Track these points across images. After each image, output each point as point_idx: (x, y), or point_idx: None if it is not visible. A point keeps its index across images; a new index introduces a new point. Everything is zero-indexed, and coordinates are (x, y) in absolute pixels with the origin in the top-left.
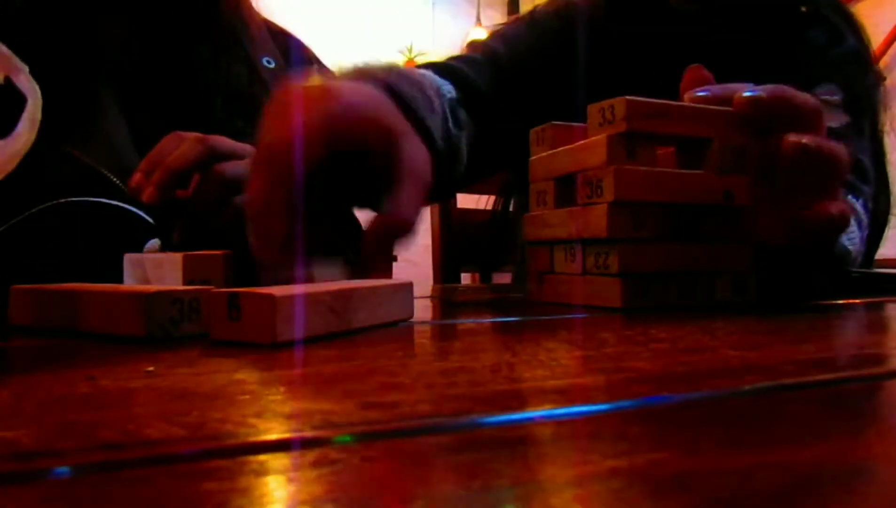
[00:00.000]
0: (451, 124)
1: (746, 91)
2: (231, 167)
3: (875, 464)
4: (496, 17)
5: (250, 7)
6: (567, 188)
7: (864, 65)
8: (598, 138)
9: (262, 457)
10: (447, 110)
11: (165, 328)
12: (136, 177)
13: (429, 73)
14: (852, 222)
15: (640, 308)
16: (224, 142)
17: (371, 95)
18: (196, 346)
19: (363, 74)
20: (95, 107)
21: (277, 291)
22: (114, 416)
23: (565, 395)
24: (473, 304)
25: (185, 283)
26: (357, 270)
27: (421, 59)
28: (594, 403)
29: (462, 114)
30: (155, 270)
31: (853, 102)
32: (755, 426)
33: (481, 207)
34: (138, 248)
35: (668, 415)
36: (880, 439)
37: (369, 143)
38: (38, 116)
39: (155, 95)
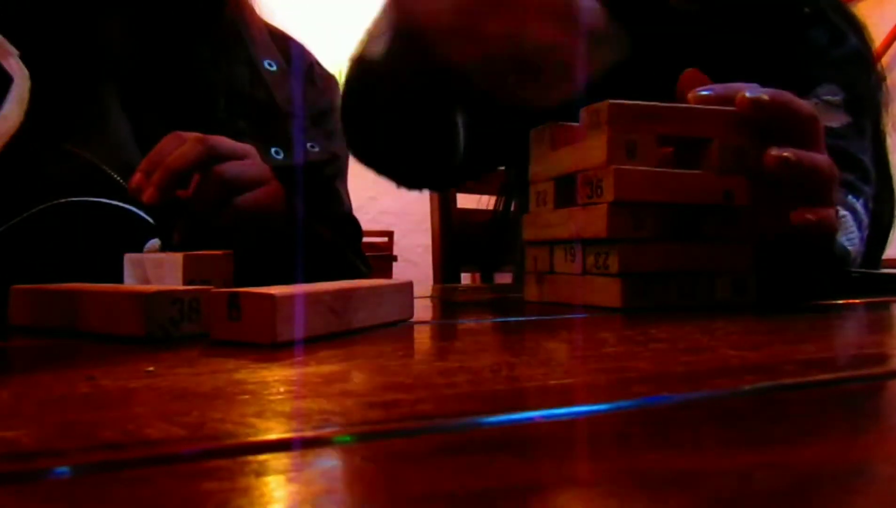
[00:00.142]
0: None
1: (748, 91)
2: (231, 168)
3: (875, 464)
4: None
5: (252, 10)
6: (567, 188)
7: (865, 65)
8: (599, 138)
9: (262, 457)
10: None
11: (165, 328)
12: (137, 177)
13: None
14: (852, 222)
15: (640, 308)
16: (224, 142)
17: None
18: (196, 346)
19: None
20: (97, 105)
21: (277, 291)
22: (114, 416)
23: (565, 395)
24: (473, 304)
25: (185, 283)
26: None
27: None
28: (594, 403)
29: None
30: (155, 270)
31: (854, 103)
32: (755, 426)
33: (481, 207)
34: (138, 248)
35: (668, 415)
36: (880, 439)
37: None
38: (27, 96)
39: (157, 94)
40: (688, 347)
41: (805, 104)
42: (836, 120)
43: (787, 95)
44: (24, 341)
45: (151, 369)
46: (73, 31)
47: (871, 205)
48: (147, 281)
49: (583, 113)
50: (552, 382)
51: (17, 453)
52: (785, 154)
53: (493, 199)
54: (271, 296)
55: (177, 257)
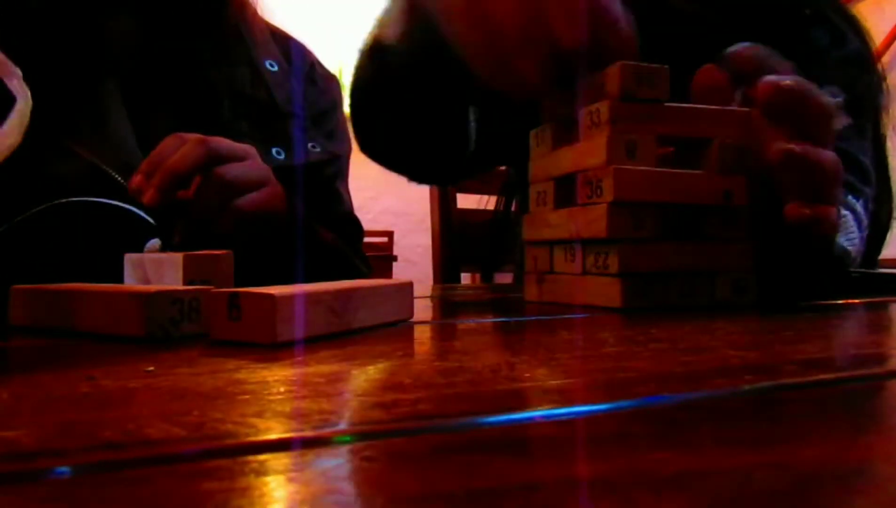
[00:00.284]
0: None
1: (773, 78)
2: (232, 170)
3: (875, 464)
4: None
5: (254, 10)
6: (567, 188)
7: (866, 66)
8: (599, 138)
9: (262, 457)
10: None
11: (165, 328)
12: (137, 179)
13: None
14: (852, 222)
15: (640, 308)
16: (225, 144)
17: None
18: (196, 346)
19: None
20: (98, 104)
21: (277, 291)
22: (114, 416)
23: (565, 395)
24: (473, 304)
25: (185, 283)
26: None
27: None
28: (594, 403)
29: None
30: (155, 270)
31: (855, 104)
32: (755, 426)
33: (481, 207)
34: (138, 248)
35: (668, 415)
36: (880, 439)
37: None
38: (27, 119)
39: (158, 95)
40: (688, 347)
41: (825, 99)
42: (837, 121)
43: (810, 87)
44: (24, 341)
45: (151, 369)
46: (75, 30)
47: (871, 206)
48: (147, 281)
49: (583, 113)
50: (552, 382)
51: (17, 453)
52: (790, 146)
53: (493, 199)
54: (271, 296)
55: (177, 257)
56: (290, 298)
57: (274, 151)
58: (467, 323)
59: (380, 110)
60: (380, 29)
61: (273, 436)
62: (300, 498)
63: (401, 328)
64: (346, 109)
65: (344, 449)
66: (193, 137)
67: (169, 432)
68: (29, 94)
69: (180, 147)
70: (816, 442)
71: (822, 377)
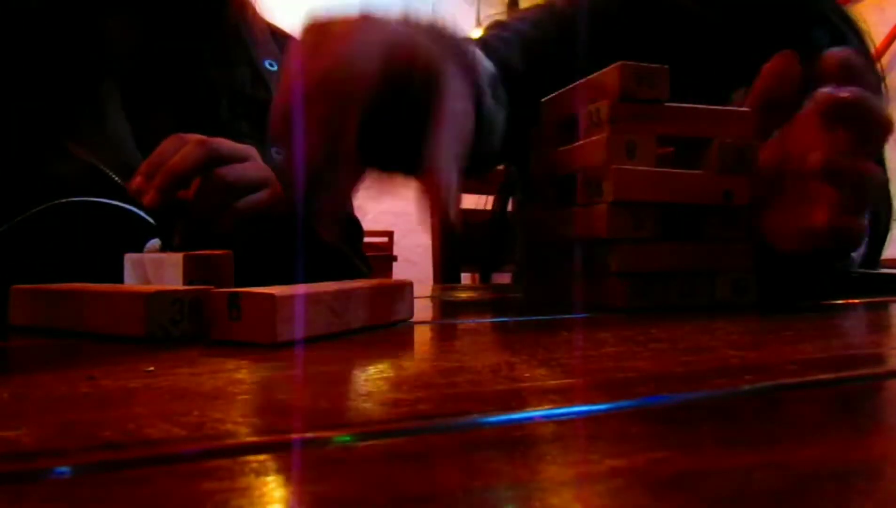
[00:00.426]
0: (489, 98)
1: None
2: (232, 171)
3: (875, 464)
4: (496, 17)
5: (254, 10)
6: (567, 188)
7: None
8: (599, 138)
9: (262, 457)
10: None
11: (165, 328)
12: (137, 180)
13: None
14: None
15: (640, 308)
16: (226, 144)
17: (420, 30)
18: (196, 346)
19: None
20: (96, 105)
21: (277, 291)
22: (114, 416)
23: (565, 395)
24: (473, 304)
25: (185, 283)
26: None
27: None
28: (594, 403)
29: (501, 91)
30: (155, 270)
31: None
32: (755, 426)
33: (481, 207)
34: (138, 248)
35: (668, 415)
36: (880, 439)
37: (418, 77)
38: None
39: (158, 95)
40: (688, 347)
41: (884, 113)
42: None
43: (871, 101)
44: (24, 341)
45: (151, 369)
46: (75, 30)
47: (871, 206)
48: (147, 281)
49: (583, 113)
50: (552, 382)
51: (17, 453)
52: (834, 157)
53: (493, 199)
54: (271, 296)
55: (177, 257)
56: (291, 298)
57: (273, 150)
58: (467, 323)
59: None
60: None
61: (273, 436)
62: (300, 498)
63: (401, 328)
64: None
65: (344, 449)
66: (194, 137)
67: (169, 432)
68: None
69: (181, 148)
70: (816, 442)
71: (822, 377)
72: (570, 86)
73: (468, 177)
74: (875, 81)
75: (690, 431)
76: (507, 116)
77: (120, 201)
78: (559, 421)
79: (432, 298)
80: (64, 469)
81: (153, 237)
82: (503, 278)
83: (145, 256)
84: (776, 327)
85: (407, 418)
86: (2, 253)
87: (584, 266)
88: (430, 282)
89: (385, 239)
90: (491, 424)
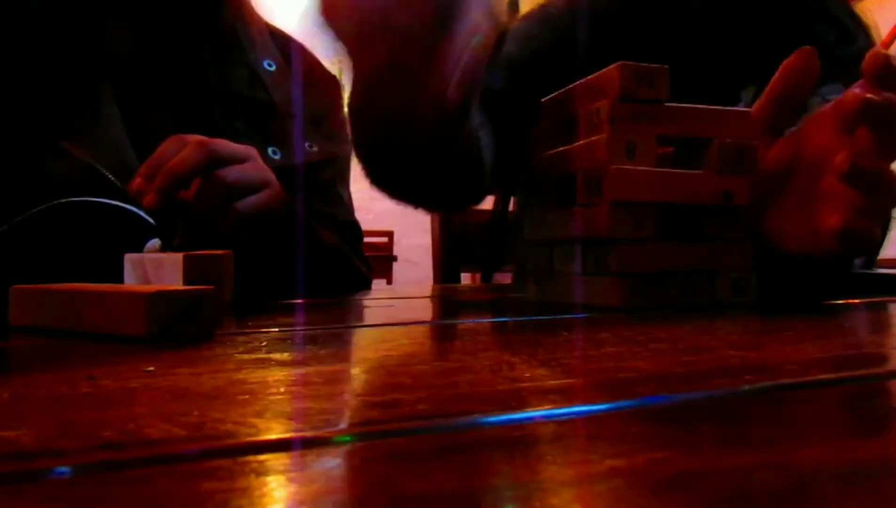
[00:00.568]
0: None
1: (858, 88)
2: (232, 172)
3: (875, 464)
4: None
5: (252, 9)
6: (567, 188)
7: None
8: (599, 138)
9: (262, 457)
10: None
11: (165, 328)
12: (137, 181)
13: None
14: None
15: (640, 308)
16: (225, 145)
17: None
18: (196, 346)
19: None
20: (92, 105)
21: None
22: (114, 416)
23: (565, 395)
24: (473, 304)
25: (185, 283)
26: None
27: None
28: (594, 403)
29: (478, 115)
30: (155, 270)
31: None
32: (755, 426)
33: (481, 207)
34: (138, 248)
35: (668, 415)
36: (880, 439)
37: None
38: None
39: (156, 96)
40: (688, 347)
41: None
42: None
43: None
44: (24, 341)
45: (151, 369)
46: (74, 31)
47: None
48: (147, 281)
49: (583, 113)
50: (552, 382)
51: (17, 453)
52: (858, 159)
53: (493, 199)
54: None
55: (177, 257)
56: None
57: (270, 150)
58: (467, 323)
59: (384, 169)
60: (352, 91)
61: (273, 436)
62: (300, 498)
63: (401, 328)
64: (346, 109)
65: (344, 449)
66: (194, 138)
67: (169, 432)
68: None
69: (181, 149)
70: (816, 442)
71: (822, 377)
72: (570, 86)
73: (461, 211)
74: None
75: (690, 431)
76: (493, 140)
77: (120, 201)
78: (559, 421)
79: (432, 298)
80: (64, 469)
81: (153, 237)
82: (504, 278)
83: (145, 256)
84: (776, 327)
85: (407, 418)
86: (2, 253)
87: (584, 266)
88: (430, 282)
89: (385, 239)
90: (491, 424)
